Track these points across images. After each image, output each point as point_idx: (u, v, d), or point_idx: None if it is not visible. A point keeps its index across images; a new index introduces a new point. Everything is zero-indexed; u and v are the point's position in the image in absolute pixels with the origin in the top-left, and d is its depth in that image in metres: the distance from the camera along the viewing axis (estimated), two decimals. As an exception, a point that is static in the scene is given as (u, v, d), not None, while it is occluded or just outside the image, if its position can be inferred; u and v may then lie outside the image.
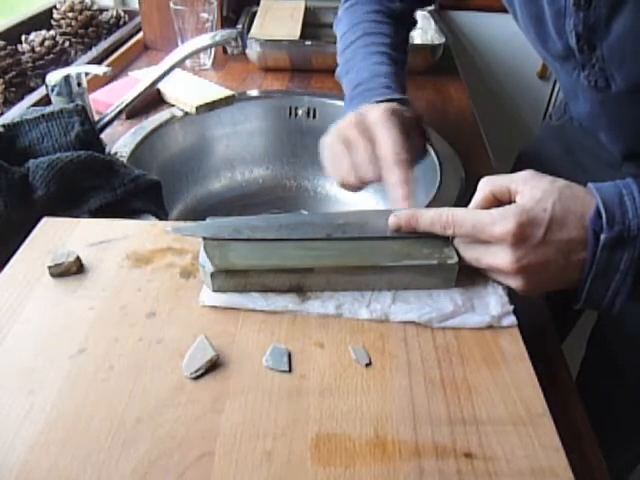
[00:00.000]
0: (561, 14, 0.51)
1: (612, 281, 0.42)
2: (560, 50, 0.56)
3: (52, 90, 0.71)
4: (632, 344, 0.70)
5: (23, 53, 0.97)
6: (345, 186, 0.56)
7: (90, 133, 0.64)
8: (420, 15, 1.20)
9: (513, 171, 0.46)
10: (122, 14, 1.18)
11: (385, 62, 0.65)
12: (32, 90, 0.84)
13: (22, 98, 0.81)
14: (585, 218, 0.41)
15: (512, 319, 0.44)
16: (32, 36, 0.99)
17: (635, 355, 0.71)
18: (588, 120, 0.66)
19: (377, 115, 0.54)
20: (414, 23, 0.79)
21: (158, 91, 0.88)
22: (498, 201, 0.45)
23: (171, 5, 0.98)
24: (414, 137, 0.54)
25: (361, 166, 0.53)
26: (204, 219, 0.48)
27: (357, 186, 0.55)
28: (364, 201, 0.89)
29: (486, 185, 0.45)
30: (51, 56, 0.99)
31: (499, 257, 0.42)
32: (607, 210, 0.40)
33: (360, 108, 0.56)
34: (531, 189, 0.42)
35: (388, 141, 0.52)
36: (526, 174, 0.44)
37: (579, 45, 0.52)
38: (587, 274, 0.42)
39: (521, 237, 0.41)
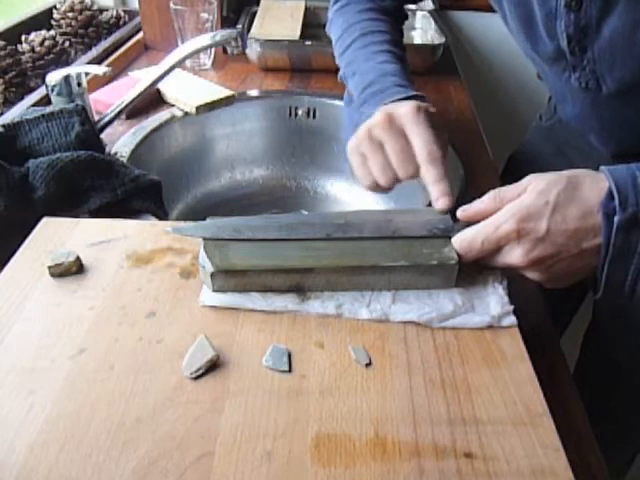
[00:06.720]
0: (552, 15, 0.51)
1: (631, 264, 0.41)
2: (551, 52, 0.55)
3: (52, 90, 0.71)
4: (627, 342, 0.70)
5: (23, 53, 0.97)
6: (376, 188, 0.55)
7: (90, 133, 0.64)
8: (420, 15, 1.20)
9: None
10: (122, 14, 1.18)
11: (391, 61, 0.64)
12: (32, 90, 0.84)
13: (22, 98, 0.81)
14: (594, 204, 0.40)
15: (512, 319, 0.44)
16: (32, 36, 0.99)
17: (630, 352, 0.71)
18: (577, 122, 0.65)
19: (406, 113, 0.52)
20: (405, 17, 0.78)
21: (158, 91, 0.88)
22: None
23: (171, 5, 0.98)
24: (442, 132, 0.53)
25: (394, 165, 0.52)
26: (204, 219, 0.48)
27: (388, 186, 0.54)
28: (364, 201, 0.89)
29: (497, 196, 0.45)
30: (51, 56, 0.99)
31: (510, 255, 0.43)
32: (620, 192, 0.40)
33: (384, 107, 0.55)
34: (535, 184, 0.42)
35: (421, 139, 0.51)
36: (533, 174, 0.44)
37: (570, 47, 0.52)
38: (604, 259, 0.41)
39: (524, 232, 0.41)
